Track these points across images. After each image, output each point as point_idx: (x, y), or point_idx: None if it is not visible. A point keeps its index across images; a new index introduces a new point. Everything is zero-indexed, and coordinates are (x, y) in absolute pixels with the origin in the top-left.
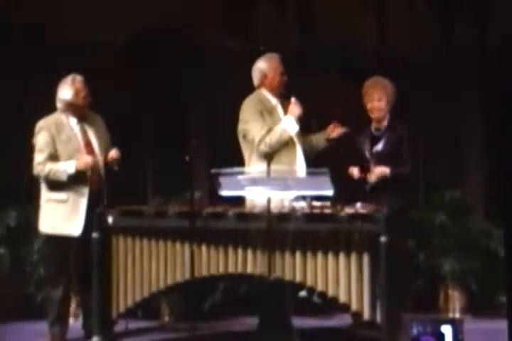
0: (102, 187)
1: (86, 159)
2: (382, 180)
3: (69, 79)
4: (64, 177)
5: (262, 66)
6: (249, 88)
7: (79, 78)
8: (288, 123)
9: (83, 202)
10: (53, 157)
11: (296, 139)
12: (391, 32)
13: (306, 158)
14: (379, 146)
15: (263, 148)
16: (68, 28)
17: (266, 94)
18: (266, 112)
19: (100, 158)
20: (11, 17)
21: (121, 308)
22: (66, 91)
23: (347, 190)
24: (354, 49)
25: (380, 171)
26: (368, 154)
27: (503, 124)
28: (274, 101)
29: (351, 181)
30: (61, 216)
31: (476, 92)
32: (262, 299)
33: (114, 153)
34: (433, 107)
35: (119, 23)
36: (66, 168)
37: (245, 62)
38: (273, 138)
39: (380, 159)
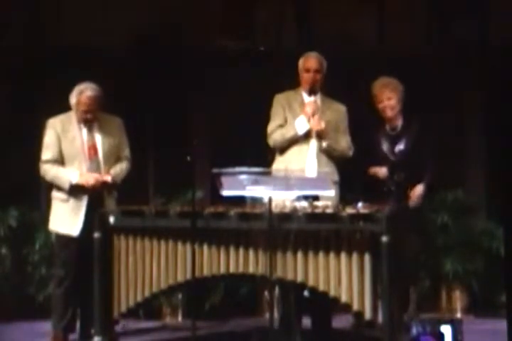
0: (104, 189)
1: (88, 179)
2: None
3: (80, 88)
4: (66, 186)
5: (298, 64)
6: (249, 88)
7: (89, 93)
8: (298, 122)
9: (83, 203)
10: (58, 156)
11: (309, 138)
12: (390, 32)
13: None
14: (401, 146)
15: (270, 143)
16: (68, 28)
17: (302, 91)
18: (289, 108)
19: (104, 163)
20: (11, 17)
21: (123, 308)
22: (72, 98)
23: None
24: (354, 49)
25: (419, 192)
26: (389, 154)
27: (504, 124)
28: (307, 99)
29: (372, 181)
30: (62, 215)
31: (476, 92)
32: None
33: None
34: (433, 107)
35: (120, 23)
36: (70, 177)
37: (245, 62)
38: (278, 134)
39: (403, 158)
